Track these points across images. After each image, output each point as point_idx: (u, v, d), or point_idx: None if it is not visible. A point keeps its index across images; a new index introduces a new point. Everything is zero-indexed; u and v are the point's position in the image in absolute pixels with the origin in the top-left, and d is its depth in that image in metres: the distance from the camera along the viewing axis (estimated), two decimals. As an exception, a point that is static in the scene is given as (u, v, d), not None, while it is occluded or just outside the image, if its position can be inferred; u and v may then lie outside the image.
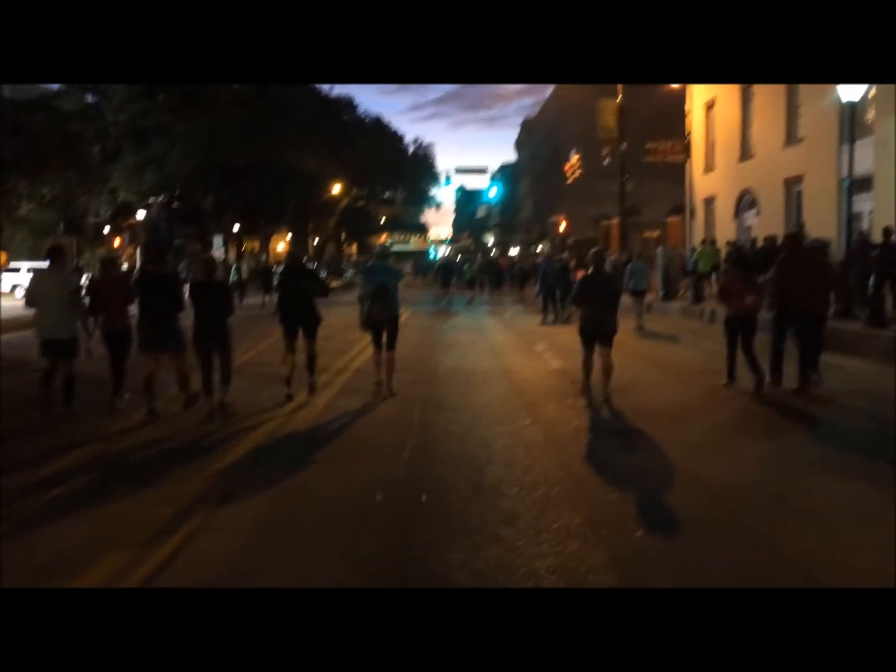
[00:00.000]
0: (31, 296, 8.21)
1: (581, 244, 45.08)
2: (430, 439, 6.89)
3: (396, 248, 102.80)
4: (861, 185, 18.72)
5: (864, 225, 18.57)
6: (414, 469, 5.90)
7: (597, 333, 8.60)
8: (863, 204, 18.71)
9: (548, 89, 58.67)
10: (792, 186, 21.80)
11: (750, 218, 24.76)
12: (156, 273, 8.34)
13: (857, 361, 11.03)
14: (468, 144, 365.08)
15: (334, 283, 41.54)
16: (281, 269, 10.57)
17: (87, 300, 8.26)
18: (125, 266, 29.38)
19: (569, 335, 11.70)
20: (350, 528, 4.67)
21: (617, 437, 7.01)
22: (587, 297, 8.66)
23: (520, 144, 75.60)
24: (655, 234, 40.56)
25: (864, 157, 18.00)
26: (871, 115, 18.46)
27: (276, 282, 10.14)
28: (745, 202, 24.97)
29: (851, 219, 19.02)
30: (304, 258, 10.74)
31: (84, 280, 11.57)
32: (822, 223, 19.32)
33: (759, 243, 19.65)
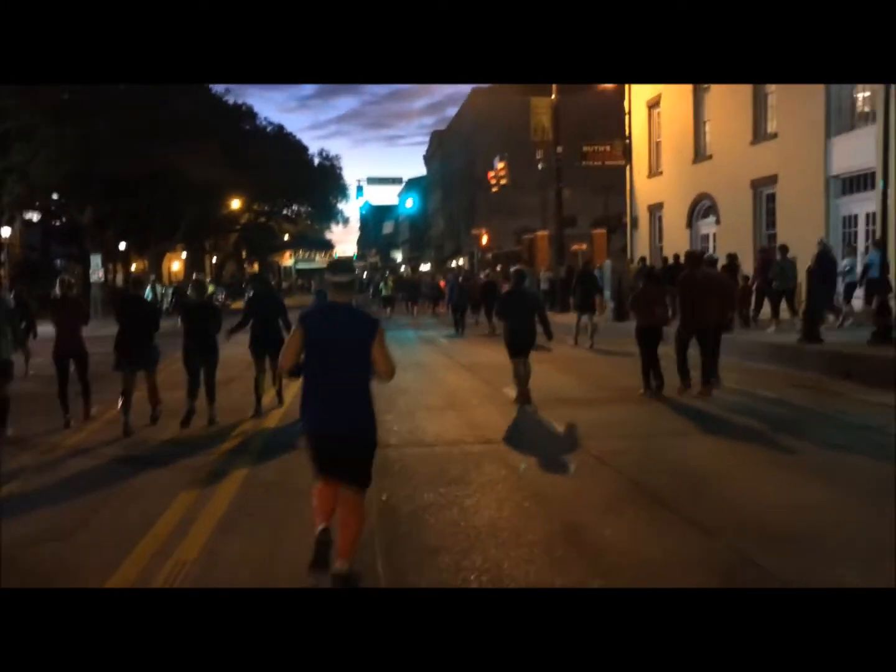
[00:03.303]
0: None
1: (502, 258, 42.28)
2: None
3: (301, 265, 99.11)
4: (854, 184, 16.28)
5: (860, 228, 16.03)
6: None
7: (519, 344, 9.38)
8: (855, 206, 16.21)
9: (454, 105, 56.19)
10: (761, 188, 19.21)
11: (707, 226, 22.14)
12: (134, 296, 9.21)
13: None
14: (371, 162, 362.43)
15: (235, 305, 37.20)
16: (252, 292, 11.05)
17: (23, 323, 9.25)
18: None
19: (543, 370, 10.91)
20: None
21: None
22: (508, 313, 9.49)
23: (430, 157, 72.47)
24: (583, 246, 37.96)
25: (857, 151, 15.54)
26: (864, 100, 15.98)
27: (247, 304, 10.47)
28: (701, 208, 22.36)
29: (845, 222, 16.60)
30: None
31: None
32: (802, 229, 16.72)
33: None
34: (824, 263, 13.61)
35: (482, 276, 26.65)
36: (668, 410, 8.82)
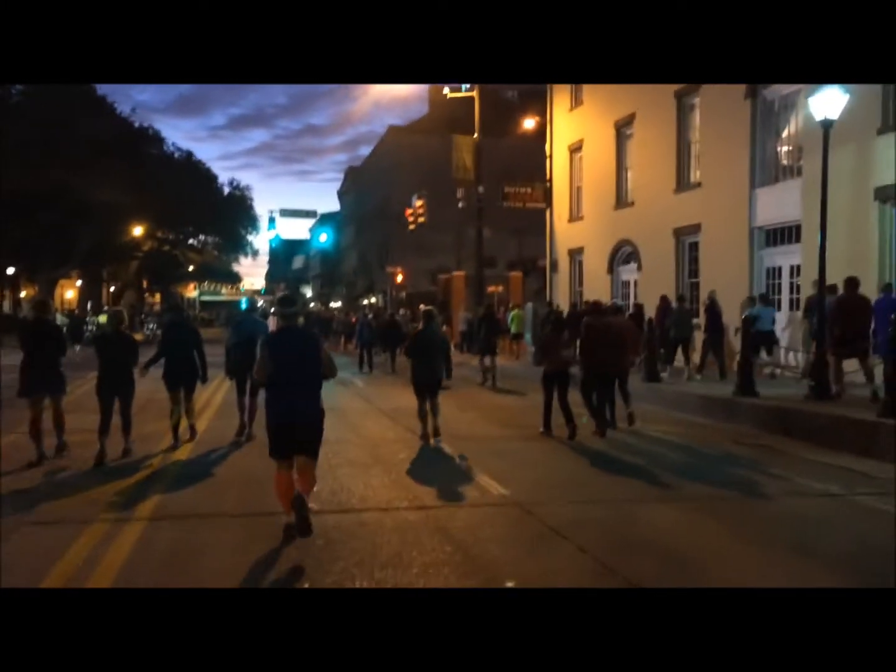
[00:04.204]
0: None
1: (416, 297, 41.57)
2: None
3: (206, 297, 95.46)
4: (778, 235, 16.31)
5: (784, 279, 16.01)
6: None
7: (426, 383, 9.53)
8: (780, 258, 16.21)
9: (367, 143, 55.94)
10: (684, 237, 19.16)
11: (629, 272, 21.99)
12: (40, 321, 8.58)
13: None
14: (281, 196, 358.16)
15: (136, 336, 34.91)
16: (166, 323, 10.58)
17: None
18: None
19: (468, 417, 11.70)
20: None
21: None
22: (418, 352, 9.60)
23: (344, 193, 71.55)
24: (499, 288, 37.67)
25: (784, 204, 15.57)
26: (788, 153, 16.10)
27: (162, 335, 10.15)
28: (622, 255, 22.22)
29: (769, 273, 16.59)
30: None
31: None
32: (726, 278, 16.63)
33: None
34: (711, 314, 14.57)
35: (387, 315, 26.44)
36: (606, 473, 8.08)
